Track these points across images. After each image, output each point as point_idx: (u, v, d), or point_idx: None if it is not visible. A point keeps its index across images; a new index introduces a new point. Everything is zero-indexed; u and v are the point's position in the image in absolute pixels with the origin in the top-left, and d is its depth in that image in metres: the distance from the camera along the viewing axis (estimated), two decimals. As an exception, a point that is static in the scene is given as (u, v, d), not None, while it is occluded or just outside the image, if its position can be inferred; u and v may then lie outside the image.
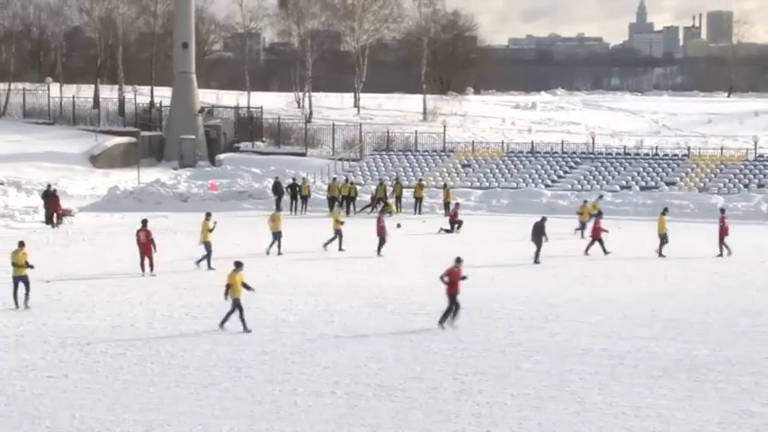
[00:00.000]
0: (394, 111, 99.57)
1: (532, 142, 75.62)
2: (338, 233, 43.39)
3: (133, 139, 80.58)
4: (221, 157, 78.83)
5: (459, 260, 28.07)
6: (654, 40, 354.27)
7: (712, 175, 66.61)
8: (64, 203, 55.82)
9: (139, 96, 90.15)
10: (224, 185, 67.24)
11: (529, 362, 23.81)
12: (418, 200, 61.45)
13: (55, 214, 53.79)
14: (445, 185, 63.03)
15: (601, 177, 67.79)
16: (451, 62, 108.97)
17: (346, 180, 63.92)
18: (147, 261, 36.24)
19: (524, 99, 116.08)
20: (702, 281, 36.21)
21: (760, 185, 64.18)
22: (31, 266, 30.13)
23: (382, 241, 42.49)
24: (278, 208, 60.85)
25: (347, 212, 60.17)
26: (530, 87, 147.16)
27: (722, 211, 45.34)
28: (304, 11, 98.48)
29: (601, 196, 56.19)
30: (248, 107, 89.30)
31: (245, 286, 27.22)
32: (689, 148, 72.65)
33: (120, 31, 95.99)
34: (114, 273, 36.79)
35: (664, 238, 42.40)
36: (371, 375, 22.55)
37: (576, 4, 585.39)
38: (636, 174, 67.75)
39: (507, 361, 23.86)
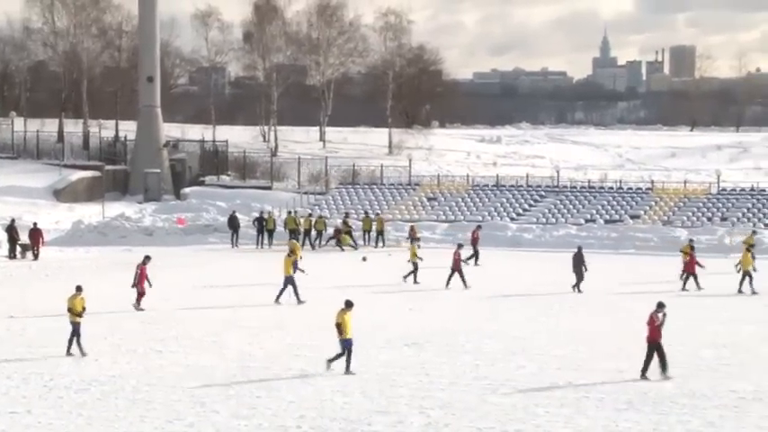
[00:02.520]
0: (359, 144, 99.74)
1: (498, 176, 75.94)
2: (415, 266, 43.83)
3: (98, 173, 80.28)
4: (186, 190, 78.64)
5: (660, 305, 26.11)
6: (617, 75, 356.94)
7: (676, 209, 67.05)
8: (24, 237, 55.59)
9: (104, 130, 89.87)
10: (189, 219, 67.13)
11: (495, 395, 23.79)
12: (379, 233, 61.58)
13: (35, 247, 54.04)
14: (412, 228, 62.74)
15: (566, 211, 68.09)
16: (417, 96, 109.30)
17: (309, 214, 64.01)
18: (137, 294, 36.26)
19: (489, 133, 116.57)
20: (667, 313, 36.28)
21: (723, 219, 64.65)
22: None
23: (460, 273, 42.71)
24: (234, 243, 61.15)
25: (312, 247, 60.26)
26: (495, 121, 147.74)
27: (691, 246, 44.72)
28: (269, 45, 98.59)
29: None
30: (214, 141, 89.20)
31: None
32: (653, 182, 73.15)
33: (85, 65, 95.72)
34: (78, 307, 36.49)
35: (747, 275, 41.59)
36: (337, 410, 22.46)
37: (543, 39, 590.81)
38: (600, 207, 68.10)
39: (473, 395, 23.83)
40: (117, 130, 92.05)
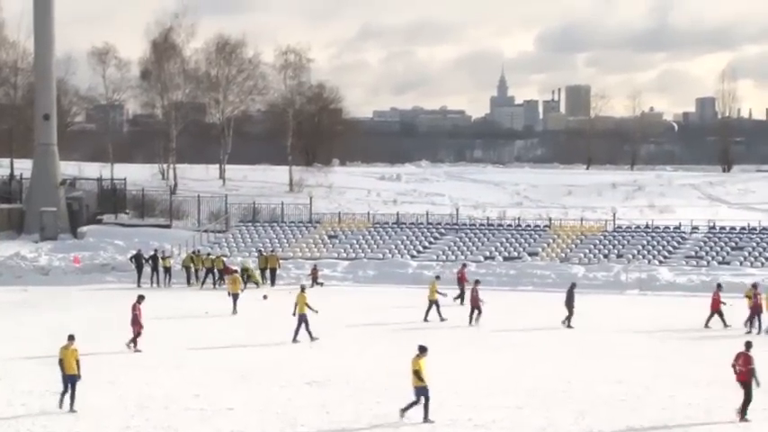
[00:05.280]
0: (260, 182, 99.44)
1: (398, 213, 76.27)
2: (435, 303, 44.09)
3: (-8, 212, 78.84)
4: (84, 229, 77.56)
5: (748, 345, 25.71)
6: (514, 114, 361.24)
7: (573, 246, 67.95)
8: None
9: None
10: (86, 258, 66.27)
11: (396, 433, 23.85)
12: (272, 270, 61.52)
13: None
14: (314, 267, 62.71)
15: (465, 248, 68.59)
16: (317, 134, 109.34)
17: (208, 254, 63.74)
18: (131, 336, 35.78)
19: (389, 170, 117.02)
20: (564, 350, 36.80)
21: (619, 256, 65.65)
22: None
23: (478, 311, 43.22)
24: (139, 282, 60.68)
25: (213, 284, 59.98)
26: (395, 159, 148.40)
27: (718, 286, 44.74)
28: (167, 83, 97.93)
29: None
30: (112, 179, 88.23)
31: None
32: (550, 219, 74.05)
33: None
34: (-28, 348, 35.79)
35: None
36: (238, 449, 22.32)
37: (445, 78, 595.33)
38: (499, 244, 68.75)
39: (374, 432, 23.86)
40: (12, 169, 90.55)
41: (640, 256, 65.39)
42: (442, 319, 43.85)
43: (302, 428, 24.20)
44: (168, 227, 78.18)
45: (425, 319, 43.99)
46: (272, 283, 60.92)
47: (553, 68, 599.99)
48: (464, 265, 56.22)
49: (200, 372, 31.43)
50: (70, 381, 25.97)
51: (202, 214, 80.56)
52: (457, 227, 72.90)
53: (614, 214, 74.11)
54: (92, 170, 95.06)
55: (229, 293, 48.62)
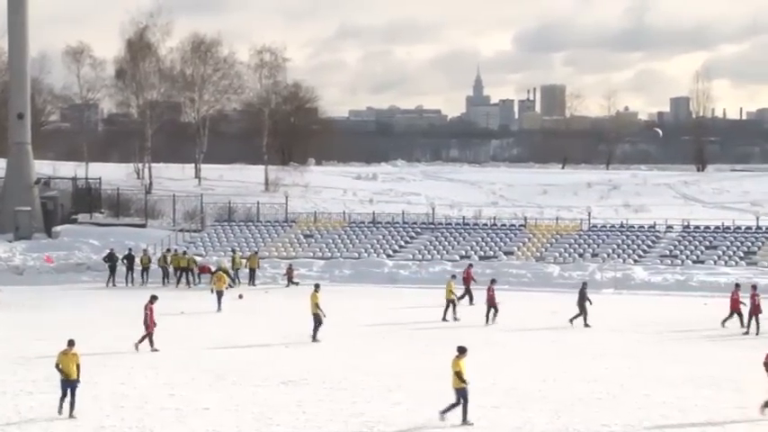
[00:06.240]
0: (236, 181, 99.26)
1: (374, 213, 76.26)
2: (452, 302, 44.26)
3: (-34, 212, 78.38)
4: (58, 228, 77.22)
5: None
6: (490, 113, 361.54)
7: (548, 245, 68.12)
8: None
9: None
10: (61, 258, 66.05)
11: (371, 432, 23.85)
12: (252, 270, 61.45)
13: None
14: (289, 266, 62.68)
15: (441, 247, 68.67)
16: (293, 133, 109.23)
17: (184, 252, 63.61)
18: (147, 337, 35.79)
19: (365, 170, 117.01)
20: (540, 349, 36.88)
21: (594, 255, 65.86)
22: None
23: (495, 310, 43.29)
24: (112, 281, 60.54)
25: (188, 284, 59.86)
26: (371, 158, 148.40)
27: (754, 287, 42.67)
28: (143, 82, 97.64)
29: None
30: (86, 178, 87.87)
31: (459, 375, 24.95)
32: (525, 219, 74.23)
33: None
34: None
35: None
36: (213, 449, 22.27)
37: (422, 77, 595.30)
38: (475, 243, 68.86)
39: (350, 432, 23.85)
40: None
41: (615, 255, 65.61)
42: (456, 319, 44.05)
43: (278, 428, 24.17)
44: (143, 226, 77.97)
45: (444, 319, 44.09)
46: (252, 282, 60.84)
47: (530, 68, 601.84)
48: (470, 265, 56.05)
49: (175, 371, 31.34)
50: (69, 386, 25.42)
51: (178, 214, 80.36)
52: (433, 226, 72.96)
53: (589, 213, 74.37)
54: (66, 169, 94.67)
55: (213, 290, 48.59)
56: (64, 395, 25.39)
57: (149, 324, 35.87)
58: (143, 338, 35.76)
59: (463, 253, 67.28)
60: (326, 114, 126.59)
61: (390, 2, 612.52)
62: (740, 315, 41.82)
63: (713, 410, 26.07)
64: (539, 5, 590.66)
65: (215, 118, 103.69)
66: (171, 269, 61.60)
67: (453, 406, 24.59)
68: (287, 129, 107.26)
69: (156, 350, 35.43)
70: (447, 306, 44.54)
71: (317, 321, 38.17)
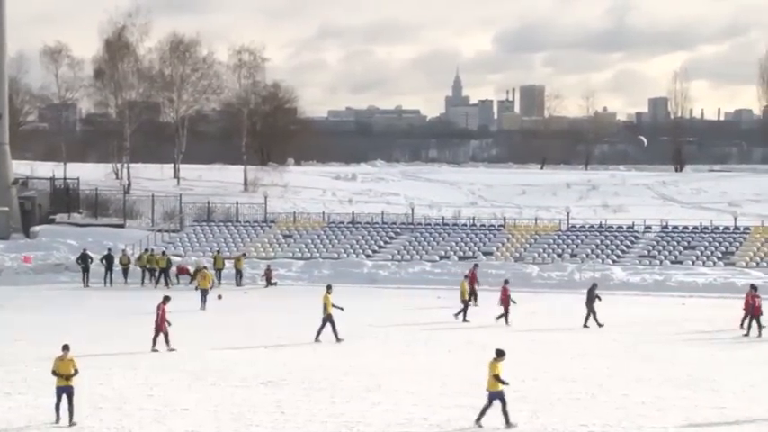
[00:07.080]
0: (215, 182, 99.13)
1: (353, 213, 76.29)
2: (466, 304, 44.29)
3: (-57, 212, 78.03)
4: (36, 229, 76.97)
5: None
6: (469, 114, 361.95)
7: (527, 245, 68.26)
8: None
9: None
10: (39, 258, 65.83)
11: (351, 432, 23.84)
12: (238, 272, 61.40)
13: None
14: (268, 267, 62.58)
15: (420, 248, 68.74)
16: (272, 133, 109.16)
17: (163, 253, 63.50)
18: (162, 337, 35.70)
19: (345, 170, 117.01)
20: (518, 349, 36.89)
21: (573, 255, 66.04)
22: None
23: (505, 311, 43.27)
24: (85, 282, 60.42)
25: (167, 284, 59.72)
26: (350, 159, 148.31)
27: (754, 288, 42.14)
28: (121, 82, 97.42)
29: None
30: (65, 178, 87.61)
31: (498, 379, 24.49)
32: (504, 219, 74.36)
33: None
34: None
35: None
36: (192, 450, 22.21)
37: (402, 78, 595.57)
38: (454, 244, 68.96)
39: (329, 432, 23.83)
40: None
41: (594, 256, 65.82)
42: (465, 320, 44.00)
43: (257, 428, 24.13)
44: (122, 226, 77.82)
45: (465, 320, 44.01)
46: (239, 283, 60.80)
47: (510, 68, 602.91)
48: (476, 266, 55.92)
49: (154, 372, 31.24)
50: (65, 392, 24.81)
51: (156, 214, 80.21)
52: (412, 226, 73.03)
53: (568, 214, 74.55)
54: (44, 170, 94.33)
55: (197, 288, 48.62)
56: (59, 401, 24.79)
57: (161, 324, 35.80)
58: (155, 338, 35.73)
59: (442, 253, 67.37)
60: (306, 114, 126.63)
61: (372, 2, 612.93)
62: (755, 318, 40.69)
63: (691, 410, 26.15)
64: (519, 6, 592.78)
65: (194, 118, 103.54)
66: (147, 269, 61.48)
67: (485, 410, 24.32)
68: (266, 129, 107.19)
69: (172, 350, 35.38)
70: (465, 307, 44.47)
71: (332, 322, 38.06)
